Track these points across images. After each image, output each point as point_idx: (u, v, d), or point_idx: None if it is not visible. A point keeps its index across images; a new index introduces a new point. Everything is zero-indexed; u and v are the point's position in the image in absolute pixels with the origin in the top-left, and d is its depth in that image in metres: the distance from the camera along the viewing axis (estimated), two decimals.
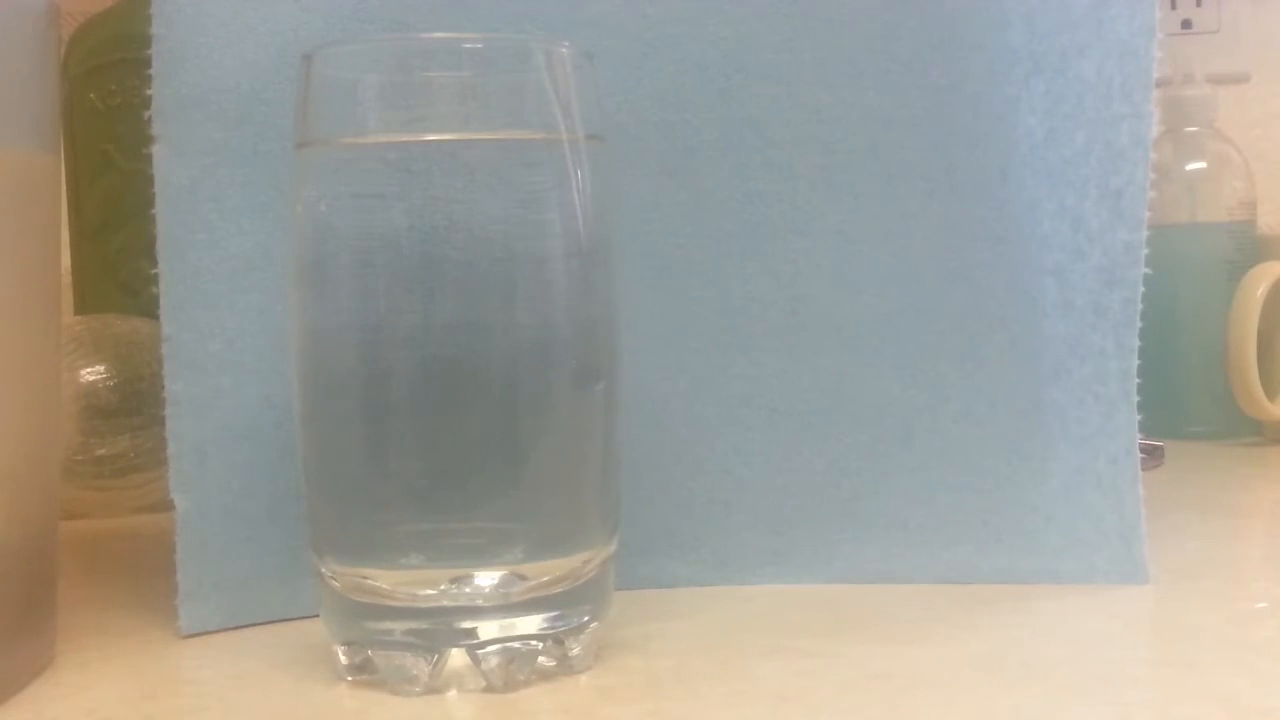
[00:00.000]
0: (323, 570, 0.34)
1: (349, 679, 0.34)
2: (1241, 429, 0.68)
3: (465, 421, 0.32)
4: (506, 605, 0.33)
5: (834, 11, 0.40)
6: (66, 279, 0.63)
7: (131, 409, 0.56)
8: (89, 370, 0.56)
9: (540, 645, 0.33)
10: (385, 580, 0.33)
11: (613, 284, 0.35)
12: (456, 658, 0.33)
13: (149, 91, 0.38)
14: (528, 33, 0.40)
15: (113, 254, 0.63)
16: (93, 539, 0.53)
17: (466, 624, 0.32)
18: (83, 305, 0.64)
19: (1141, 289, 0.40)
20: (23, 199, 0.34)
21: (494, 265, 0.32)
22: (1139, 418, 0.40)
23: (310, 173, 0.33)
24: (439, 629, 0.32)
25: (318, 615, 0.35)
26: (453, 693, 0.33)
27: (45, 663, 0.36)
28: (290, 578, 0.38)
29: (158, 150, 0.38)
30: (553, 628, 0.33)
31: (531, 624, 0.33)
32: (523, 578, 0.33)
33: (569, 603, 0.33)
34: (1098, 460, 0.40)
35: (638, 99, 0.40)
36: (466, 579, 0.32)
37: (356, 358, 0.33)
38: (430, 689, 0.33)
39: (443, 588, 0.32)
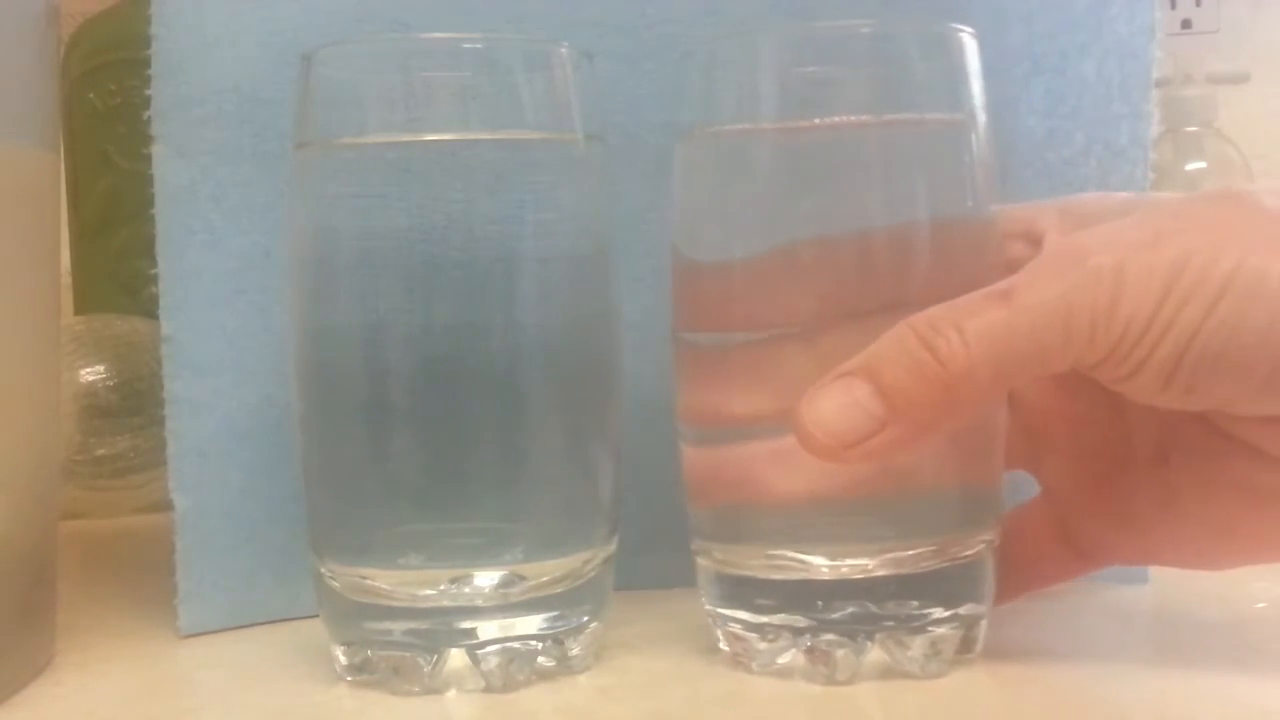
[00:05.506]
0: (322, 570, 0.34)
1: (349, 679, 0.34)
2: None
3: (465, 421, 0.32)
4: (506, 605, 0.33)
5: (834, 11, 0.40)
6: (66, 279, 0.63)
7: (131, 409, 0.56)
8: (89, 370, 0.56)
9: (540, 645, 0.33)
10: (385, 580, 0.33)
11: (613, 284, 0.35)
12: (456, 658, 0.33)
13: (149, 91, 0.38)
14: (528, 33, 0.40)
15: (113, 254, 0.63)
16: (93, 539, 0.53)
17: (466, 624, 0.32)
18: (83, 305, 0.64)
19: None
20: (22, 198, 0.34)
21: (494, 265, 0.32)
22: None
23: (310, 173, 0.33)
24: (438, 629, 0.32)
25: (318, 615, 0.35)
26: (452, 693, 0.33)
27: (45, 663, 0.36)
28: (290, 578, 0.38)
29: (157, 150, 0.38)
30: (552, 628, 0.33)
31: (531, 624, 0.33)
32: (522, 578, 0.33)
33: (569, 603, 0.33)
34: None
35: (638, 99, 0.40)
36: (466, 579, 0.32)
37: (356, 358, 0.33)
38: (430, 689, 0.33)
39: (442, 588, 0.32)
